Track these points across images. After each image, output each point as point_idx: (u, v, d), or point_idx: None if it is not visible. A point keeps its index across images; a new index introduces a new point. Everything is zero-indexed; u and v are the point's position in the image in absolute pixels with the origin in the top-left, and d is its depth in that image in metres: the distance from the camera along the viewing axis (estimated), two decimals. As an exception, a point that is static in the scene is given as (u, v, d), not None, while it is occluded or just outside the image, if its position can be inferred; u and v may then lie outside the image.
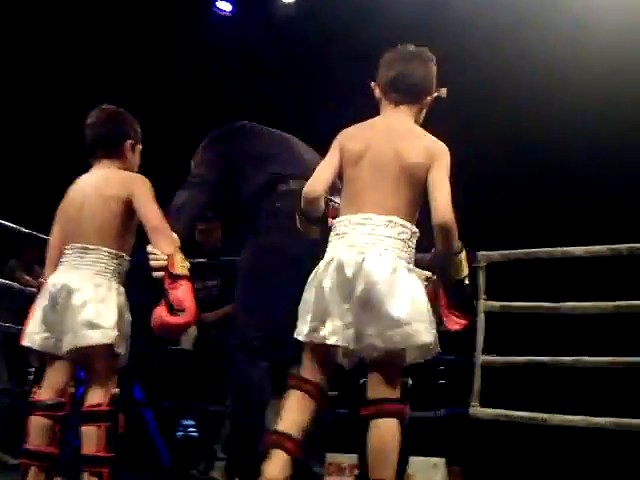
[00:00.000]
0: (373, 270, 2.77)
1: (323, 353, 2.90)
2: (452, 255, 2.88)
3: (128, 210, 3.47)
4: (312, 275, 2.92)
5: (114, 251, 3.47)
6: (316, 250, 3.79)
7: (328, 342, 2.82)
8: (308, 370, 2.92)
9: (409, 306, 2.76)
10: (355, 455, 4.96)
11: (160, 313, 3.33)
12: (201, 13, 8.12)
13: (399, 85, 3.02)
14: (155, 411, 6.60)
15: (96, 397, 3.35)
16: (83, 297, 3.36)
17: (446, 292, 2.95)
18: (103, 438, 3.29)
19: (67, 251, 3.49)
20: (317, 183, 2.98)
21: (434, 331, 2.81)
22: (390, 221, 2.83)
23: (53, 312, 3.41)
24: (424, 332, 2.77)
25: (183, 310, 3.31)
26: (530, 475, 6.35)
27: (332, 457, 4.91)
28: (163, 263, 3.34)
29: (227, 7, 8.29)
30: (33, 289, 4.49)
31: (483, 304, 5.09)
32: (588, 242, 5.09)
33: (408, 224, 2.86)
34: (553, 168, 7.31)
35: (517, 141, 7.21)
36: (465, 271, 2.93)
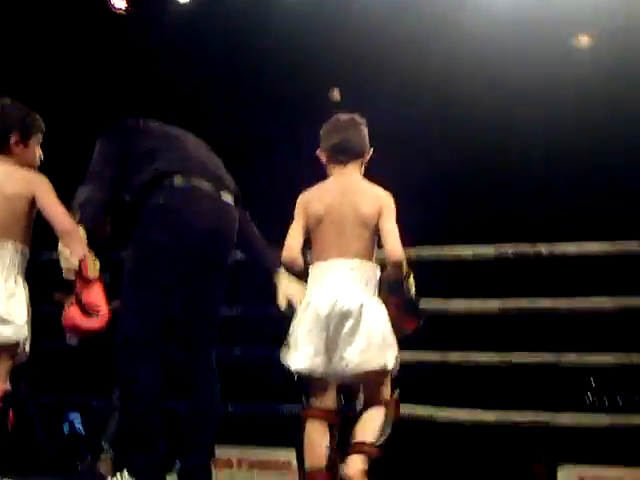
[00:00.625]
0: (343, 309, 3.30)
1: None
2: (402, 279, 3.42)
3: (30, 207, 3.47)
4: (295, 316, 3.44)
5: (20, 246, 3.41)
6: (197, 248, 3.82)
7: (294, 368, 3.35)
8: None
9: (366, 339, 3.29)
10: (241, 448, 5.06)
11: (73, 316, 3.30)
12: (95, 10, 7.95)
13: (343, 149, 3.55)
14: (40, 406, 6.48)
15: (-13, 393, 3.27)
16: None
17: (398, 305, 3.43)
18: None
19: None
20: (291, 250, 3.45)
21: (389, 355, 3.34)
22: (354, 263, 3.36)
23: None
24: (373, 360, 3.30)
25: (96, 313, 3.30)
26: (418, 471, 6.44)
27: (222, 451, 4.92)
28: (75, 266, 3.31)
29: (122, 4, 8.12)
30: None
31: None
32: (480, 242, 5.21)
33: (370, 262, 3.41)
34: (456, 169, 7.42)
35: (436, 137, 7.29)
36: (413, 288, 3.46)
